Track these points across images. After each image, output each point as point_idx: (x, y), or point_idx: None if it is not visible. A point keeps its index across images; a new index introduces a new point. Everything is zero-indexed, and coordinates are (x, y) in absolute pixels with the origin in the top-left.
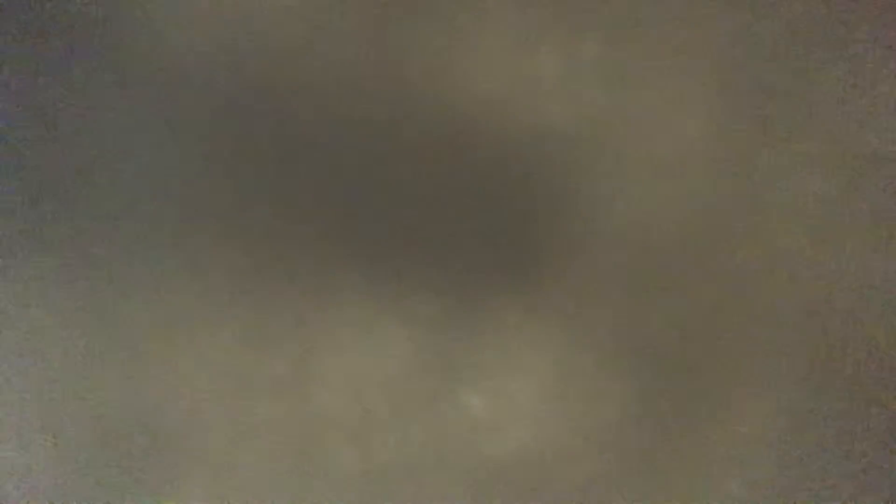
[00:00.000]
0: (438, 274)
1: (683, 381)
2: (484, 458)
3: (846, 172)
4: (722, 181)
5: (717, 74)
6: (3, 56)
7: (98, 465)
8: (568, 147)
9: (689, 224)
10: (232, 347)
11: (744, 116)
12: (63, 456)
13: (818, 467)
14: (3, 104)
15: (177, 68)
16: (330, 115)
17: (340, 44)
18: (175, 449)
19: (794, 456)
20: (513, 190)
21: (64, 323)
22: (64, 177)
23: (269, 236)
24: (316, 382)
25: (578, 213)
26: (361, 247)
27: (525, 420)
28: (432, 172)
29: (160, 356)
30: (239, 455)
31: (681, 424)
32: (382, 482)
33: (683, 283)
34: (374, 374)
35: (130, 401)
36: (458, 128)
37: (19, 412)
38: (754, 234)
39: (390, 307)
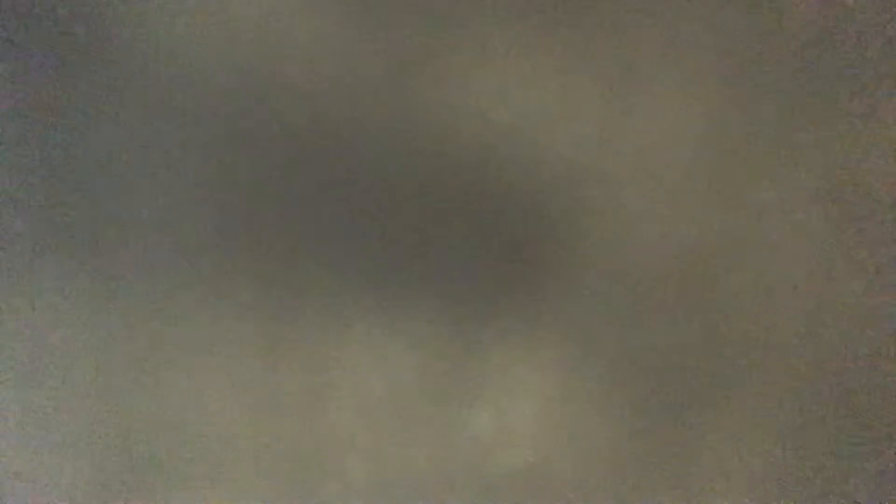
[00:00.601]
0: (445, 298)
1: (682, 404)
2: (487, 478)
3: (841, 202)
4: (718, 208)
5: (713, 103)
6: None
7: (107, 475)
8: (570, 173)
9: (687, 250)
10: (244, 366)
11: (739, 146)
12: (72, 465)
13: (812, 488)
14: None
15: (188, 76)
16: (337, 138)
17: (347, 58)
18: (185, 462)
19: (790, 478)
20: (516, 216)
21: (76, 336)
22: (77, 180)
23: (281, 260)
24: (325, 400)
25: (581, 238)
26: (371, 270)
27: (528, 440)
28: (439, 197)
29: (173, 374)
30: (248, 469)
31: (681, 446)
32: (389, 498)
33: (681, 307)
34: (383, 394)
35: (142, 415)
36: (462, 153)
37: (30, 419)
38: (750, 260)
39: (398, 329)
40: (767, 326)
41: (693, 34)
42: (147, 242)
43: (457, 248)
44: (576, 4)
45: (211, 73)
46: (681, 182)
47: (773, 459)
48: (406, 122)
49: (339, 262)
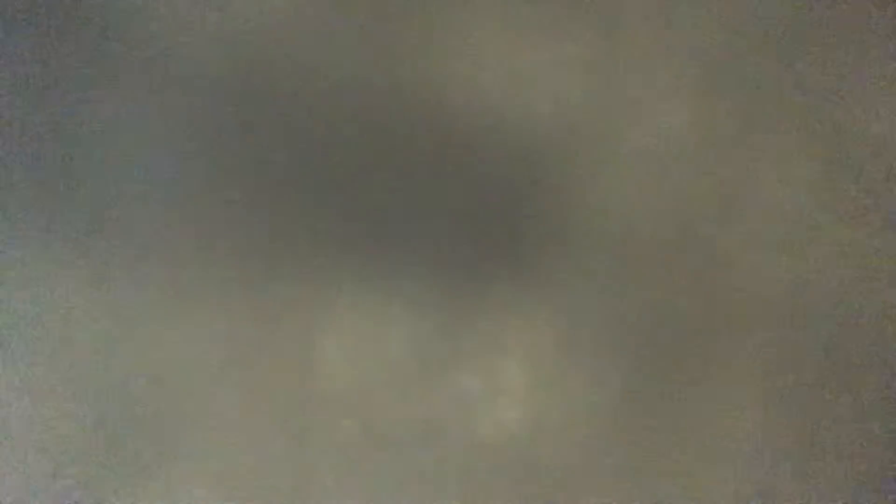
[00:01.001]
0: (436, 261)
1: (672, 365)
2: (477, 439)
3: (826, 163)
4: (705, 170)
5: (699, 67)
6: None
7: (101, 435)
8: (559, 136)
9: (678, 210)
10: (234, 327)
11: (730, 103)
12: (72, 417)
13: (803, 448)
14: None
15: (176, 61)
16: (330, 103)
17: (337, 37)
18: (178, 423)
19: (779, 437)
20: (508, 179)
21: (68, 297)
22: (69, 151)
23: (271, 220)
24: (315, 364)
25: (571, 200)
26: (362, 233)
27: (518, 402)
28: (429, 162)
29: (163, 334)
30: (241, 429)
31: (674, 406)
32: (380, 456)
33: (672, 268)
34: (373, 355)
35: (133, 376)
36: (452, 119)
37: (25, 379)
38: (741, 219)
39: (389, 291)
40: (757, 286)
41: None
42: (136, 202)
43: (448, 211)
44: None
45: (202, 48)
46: (671, 141)
47: (763, 418)
48: (396, 83)
49: (328, 224)
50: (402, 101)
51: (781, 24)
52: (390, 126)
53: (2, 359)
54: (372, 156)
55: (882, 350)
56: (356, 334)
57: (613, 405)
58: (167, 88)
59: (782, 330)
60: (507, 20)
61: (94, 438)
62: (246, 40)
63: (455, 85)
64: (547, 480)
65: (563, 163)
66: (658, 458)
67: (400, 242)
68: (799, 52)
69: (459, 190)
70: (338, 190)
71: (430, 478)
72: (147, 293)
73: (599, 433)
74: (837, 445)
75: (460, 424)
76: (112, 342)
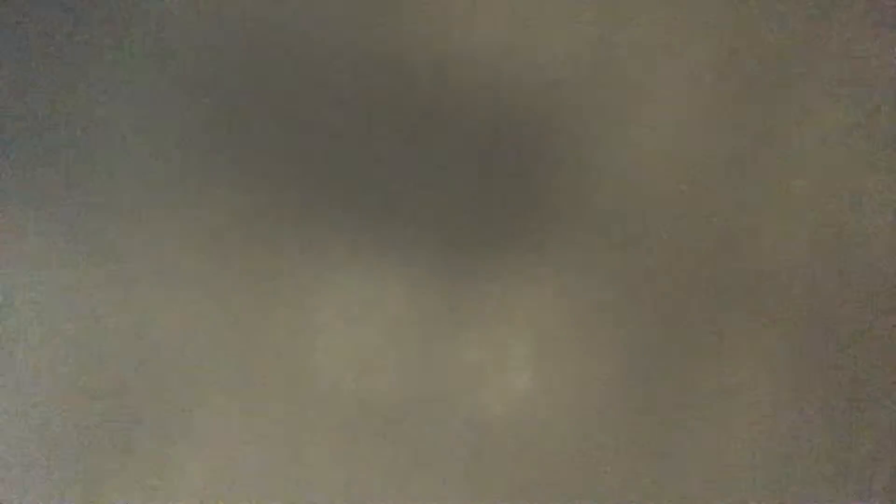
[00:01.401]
0: (442, 223)
1: (682, 330)
2: (480, 403)
3: (850, 125)
4: (724, 120)
5: (722, 7)
6: None
7: (98, 408)
8: (567, 90)
9: (688, 172)
10: (231, 292)
11: (741, 63)
12: (57, 405)
13: (806, 412)
14: None
15: (174, 22)
16: (328, 60)
17: None
18: (177, 388)
19: (792, 411)
20: (513, 135)
21: (63, 274)
22: (60, 120)
23: (268, 180)
24: (315, 331)
25: (580, 162)
26: (363, 192)
27: (525, 367)
28: (432, 119)
29: (159, 301)
30: (239, 394)
31: (680, 372)
32: (380, 421)
33: (681, 232)
34: (374, 319)
35: (131, 341)
36: (457, 73)
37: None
38: (752, 181)
39: (390, 253)
40: (768, 250)
41: None
42: (129, 171)
43: (454, 174)
44: None
45: (193, 20)
46: (682, 101)
47: (771, 382)
48: (399, 44)
49: (329, 186)
50: (407, 59)
51: None
52: (392, 87)
53: None
54: (374, 118)
55: (892, 314)
56: (357, 303)
57: (621, 375)
58: (164, 59)
59: (798, 302)
60: None
61: (83, 418)
62: (239, 9)
63: (461, 40)
64: (553, 451)
65: (572, 121)
66: (666, 429)
67: (405, 204)
68: (823, 8)
69: (466, 149)
70: (339, 153)
71: (434, 448)
72: (139, 265)
73: (608, 396)
74: (852, 420)
75: (461, 390)
76: (99, 313)
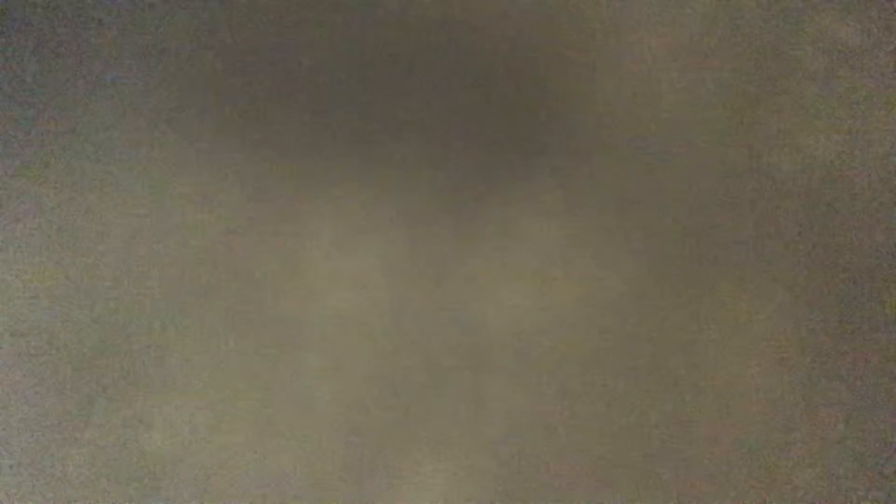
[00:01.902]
0: (440, 142)
1: (688, 253)
2: (481, 318)
3: (865, 32)
4: (726, 56)
5: None
6: None
7: (87, 342)
8: (569, 21)
9: (693, 97)
10: (228, 216)
11: None
12: (42, 333)
13: (817, 339)
14: None
15: None
16: None
17: None
18: (168, 308)
19: (794, 332)
20: (514, 65)
21: (44, 200)
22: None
23: (262, 120)
24: (305, 274)
25: (582, 87)
26: (362, 116)
27: (524, 284)
28: (431, 41)
29: (154, 222)
30: (229, 336)
31: (688, 295)
32: (380, 339)
33: (688, 154)
34: (373, 241)
35: (117, 279)
36: (458, 7)
37: None
38: (761, 109)
39: (393, 180)
40: (780, 167)
41: None
42: (123, 96)
43: (454, 98)
44: None
45: None
46: (687, 28)
47: (788, 308)
48: None
49: (323, 126)
50: None
51: None
52: (390, 14)
53: None
54: (372, 46)
55: None
56: (356, 225)
57: (626, 295)
58: None
59: (803, 220)
60: None
61: (73, 369)
62: None
63: None
64: (554, 368)
65: (572, 46)
66: (671, 354)
67: (403, 132)
68: None
69: (466, 73)
70: (333, 90)
71: (434, 361)
72: (134, 186)
73: (615, 322)
74: (868, 359)
75: (466, 315)
76: (95, 245)
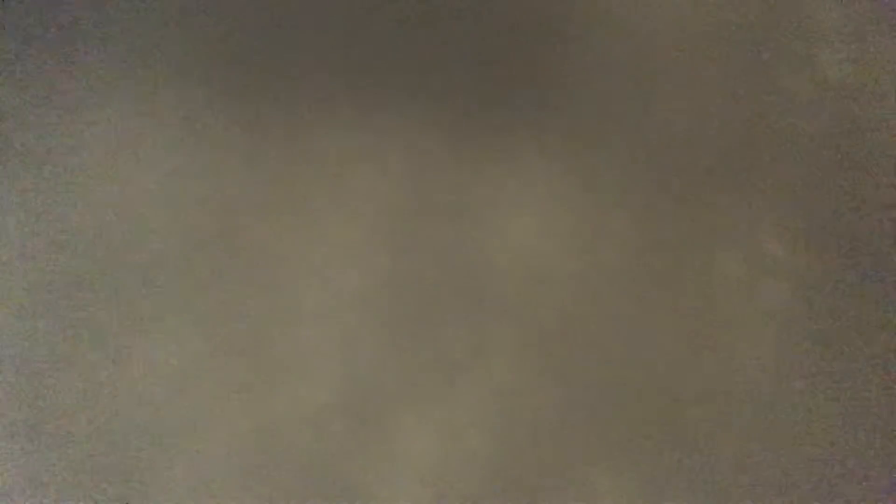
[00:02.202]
0: (444, 77)
1: (694, 193)
2: (484, 252)
3: None
4: None
5: None
6: None
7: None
8: None
9: (699, 34)
10: (223, 172)
11: None
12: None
13: (822, 286)
14: None
15: None
16: None
17: None
18: (169, 241)
19: (801, 277)
20: (518, 7)
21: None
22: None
23: (265, 57)
24: (310, 205)
25: (586, 25)
26: (365, 48)
27: (527, 220)
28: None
29: (155, 161)
30: (225, 271)
31: (695, 233)
32: (380, 272)
33: (694, 91)
34: (374, 197)
35: (118, 214)
36: None
37: None
38: (767, 45)
39: (390, 136)
40: (783, 111)
41: None
42: (121, 47)
43: (460, 37)
44: None
45: None
46: None
47: (788, 255)
48: None
49: (327, 67)
50: None
51: None
52: None
53: None
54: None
55: None
56: (358, 155)
57: (636, 234)
58: None
59: (809, 154)
60: None
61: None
62: None
63: None
64: (556, 303)
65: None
66: (673, 296)
67: (407, 67)
68: None
69: (472, 13)
70: (338, 33)
71: (438, 297)
72: (126, 129)
73: (620, 261)
74: (867, 281)
75: (469, 244)
76: (90, 185)
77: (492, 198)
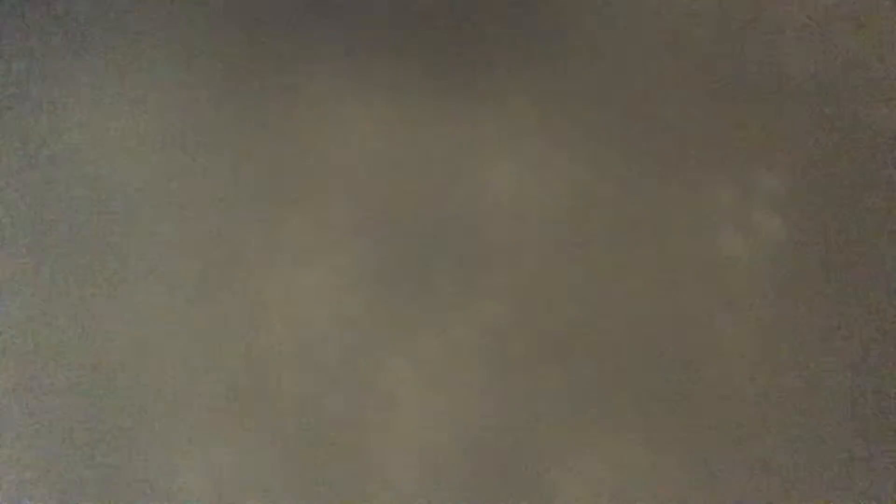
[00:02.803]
0: (438, 31)
1: (677, 144)
2: (464, 209)
3: None
4: None
5: None
6: None
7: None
8: None
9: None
10: (221, 121)
11: None
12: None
13: (816, 239)
14: None
15: None
16: None
17: None
18: (179, 182)
19: (783, 216)
20: None
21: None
22: None
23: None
24: (298, 145)
25: None
26: (348, 16)
27: (519, 163)
28: None
29: (161, 100)
30: (236, 198)
31: (674, 186)
32: (377, 233)
33: (680, 48)
34: (365, 117)
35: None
36: None
37: None
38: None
39: (376, 77)
40: (760, 64)
41: None
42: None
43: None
44: None
45: None
46: None
47: (770, 199)
48: None
49: (314, 13)
50: None
51: None
52: None
53: None
54: None
55: None
56: (349, 101)
57: (618, 168)
58: None
59: (796, 114)
60: None
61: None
62: None
63: None
64: (545, 237)
65: None
66: (664, 232)
67: (396, 18)
68: None
69: None
70: None
71: (416, 248)
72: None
73: (601, 200)
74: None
75: (459, 186)
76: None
77: (481, 140)
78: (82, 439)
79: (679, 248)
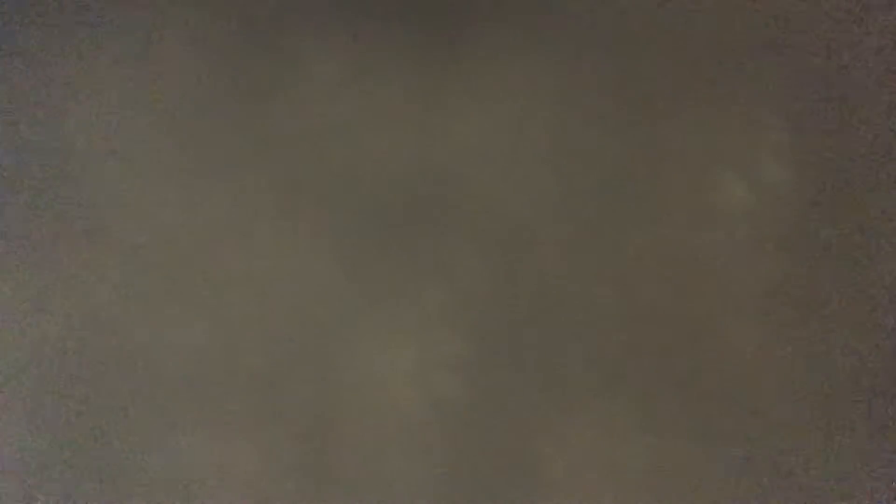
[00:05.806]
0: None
1: (673, 102)
2: (458, 162)
3: None
4: None
5: None
6: None
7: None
8: None
9: None
10: (225, 99)
11: None
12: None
13: (808, 191)
14: None
15: None
16: None
17: None
18: (189, 133)
19: (775, 185)
20: None
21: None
22: None
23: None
24: (271, 107)
25: None
26: (356, 17)
27: (498, 126)
28: None
29: (148, 94)
30: (248, 163)
31: (671, 145)
32: (374, 195)
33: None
34: (359, 86)
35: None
36: None
37: None
38: None
39: (377, 40)
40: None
41: None
42: None
43: None
44: None
45: None
46: None
47: (767, 155)
48: None
49: None
50: None
51: None
52: None
53: None
54: None
55: None
56: (342, 68)
57: (604, 118)
58: None
59: (791, 72)
60: None
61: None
62: None
63: None
64: (533, 203)
65: None
66: (661, 198)
67: None
68: None
69: None
70: None
71: (409, 213)
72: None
73: (595, 170)
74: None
75: (435, 147)
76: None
77: (462, 93)
78: (84, 432)
79: (675, 200)
